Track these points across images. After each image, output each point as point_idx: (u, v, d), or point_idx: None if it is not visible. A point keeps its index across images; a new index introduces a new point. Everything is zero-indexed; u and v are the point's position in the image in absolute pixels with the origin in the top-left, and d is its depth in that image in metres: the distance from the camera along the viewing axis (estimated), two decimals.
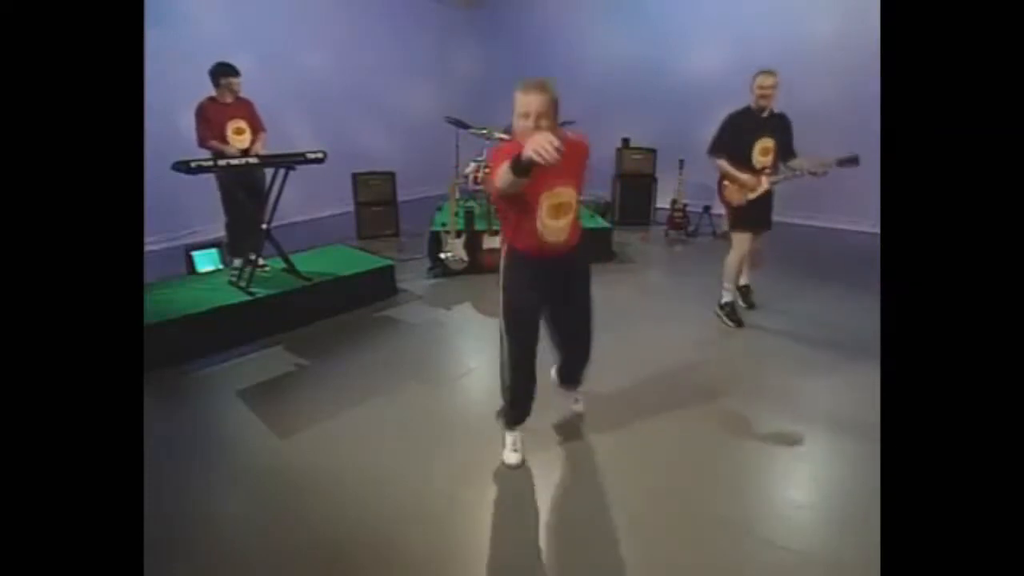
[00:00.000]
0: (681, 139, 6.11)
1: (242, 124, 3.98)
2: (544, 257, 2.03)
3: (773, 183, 3.44)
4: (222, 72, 3.88)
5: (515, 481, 2.22)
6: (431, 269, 4.79)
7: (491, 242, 4.65)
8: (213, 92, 3.92)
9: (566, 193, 1.93)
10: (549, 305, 2.16)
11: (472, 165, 5.01)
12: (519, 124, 1.82)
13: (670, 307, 4.10)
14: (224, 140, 3.90)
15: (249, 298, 3.52)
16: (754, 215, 3.52)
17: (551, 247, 2.00)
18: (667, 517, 2.02)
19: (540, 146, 1.53)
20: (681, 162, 5.75)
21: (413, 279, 4.60)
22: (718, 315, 3.75)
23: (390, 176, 5.98)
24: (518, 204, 1.93)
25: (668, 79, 7.04)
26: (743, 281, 3.92)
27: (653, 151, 6.46)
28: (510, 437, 2.32)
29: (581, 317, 2.25)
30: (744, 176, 3.40)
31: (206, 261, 4.20)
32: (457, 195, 4.64)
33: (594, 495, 2.15)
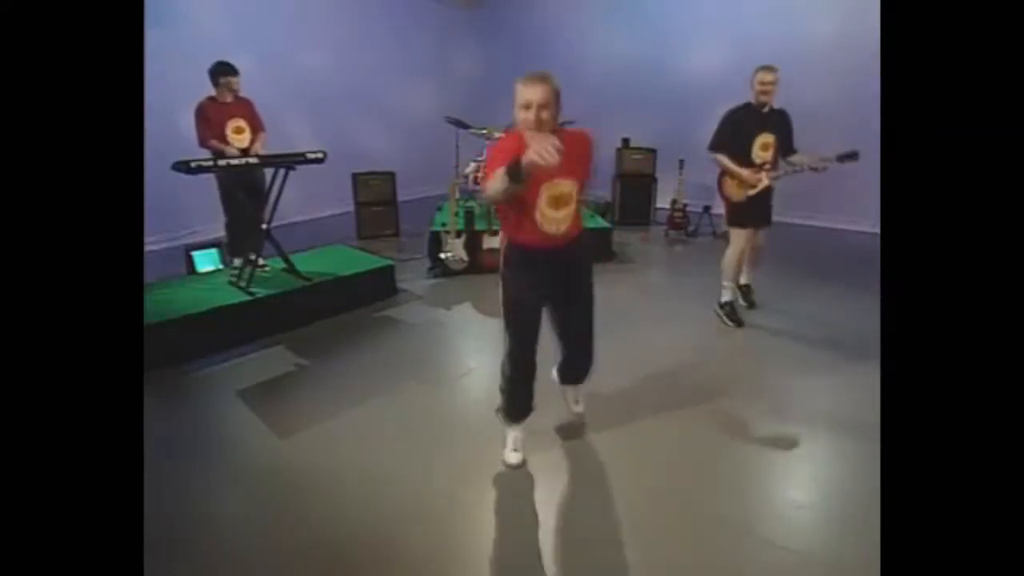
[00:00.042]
0: (681, 139, 6.11)
1: (242, 123, 3.98)
2: (544, 249, 2.02)
3: (773, 179, 3.44)
4: (221, 71, 3.88)
5: (515, 481, 2.22)
6: (431, 269, 4.79)
7: (491, 242, 4.65)
8: (213, 92, 3.92)
9: (566, 184, 1.93)
10: (550, 298, 2.15)
11: (472, 165, 5.02)
12: (520, 116, 1.82)
13: (670, 307, 4.10)
14: (224, 139, 3.90)
15: (249, 298, 3.52)
16: (754, 211, 3.52)
17: (551, 238, 1.99)
18: (667, 517, 2.02)
19: (542, 148, 1.53)
20: (681, 162, 5.75)
21: (413, 279, 4.60)
22: (717, 314, 3.75)
23: (390, 176, 5.98)
24: (517, 195, 1.93)
25: (668, 79, 7.03)
26: (744, 280, 3.92)
27: (653, 151, 6.46)
28: (511, 437, 2.32)
29: (582, 311, 2.23)
30: (744, 172, 3.40)
31: (206, 261, 4.20)
32: (457, 195, 4.64)
33: (594, 495, 2.15)
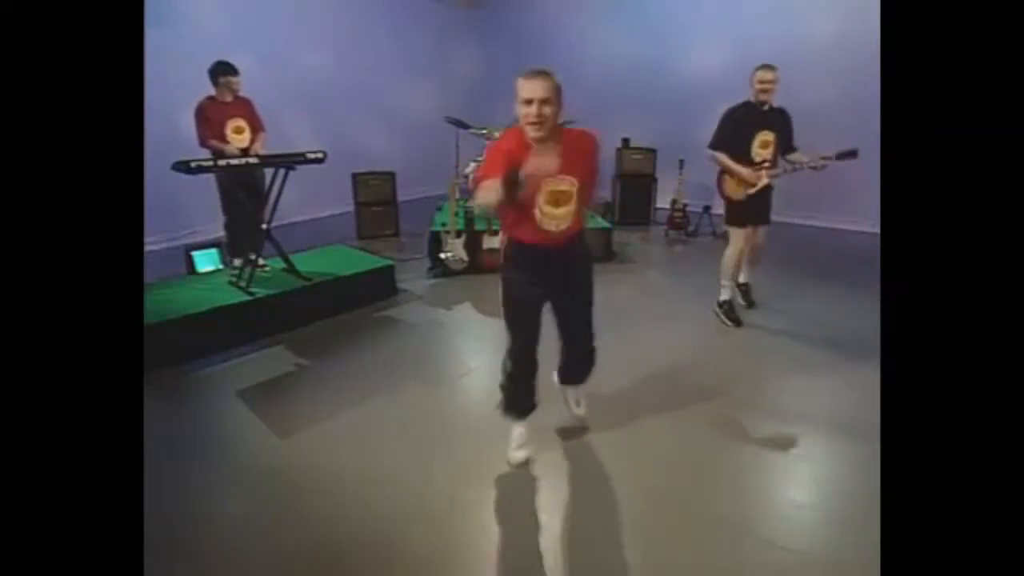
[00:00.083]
0: (681, 139, 6.11)
1: (242, 123, 3.98)
2: (543, 247, 2.02)
3: (773, 177, 3.44)
4: (221, 71, 3.88)
5: (515, 481, 2.22)
6: (431, 269, 4.79)
7: (491, 242, 4.65)
8: (213, 92, 3.92)
9: (565, 182, 1.92)
10: (550, 296, 2.15)
11: (472, 165, 5.01)
12: (522, 111, 1.82)
13: (670, 307, 4.09)
14: (224, 139, 3.90)
15: (249, 298, 3.52)
16: (753, 210, 3.52)
17: (550, 236, 1.99)
18: (667, 517, 2.02)
19: (540, 163, 1.62)
20: (681, 162, 5.75)
21: (413, 279, 4.60)
22: (716, 314, 3.75)
23: (390, 176, 5.98)
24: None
25: (668, 79, 7.03)
26: (743, 279, 3.92)
27: (653, 151, 6.45)
28: (515, 433, 2.31)
29: (581, 309, 2.23)
30: (744, 171, 3.40)
31: (206, 261, 4.20)
32: (457, 195, 4.63)
33: (594, 495, 2.15)
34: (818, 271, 4.81)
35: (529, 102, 1.79)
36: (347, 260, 4.29)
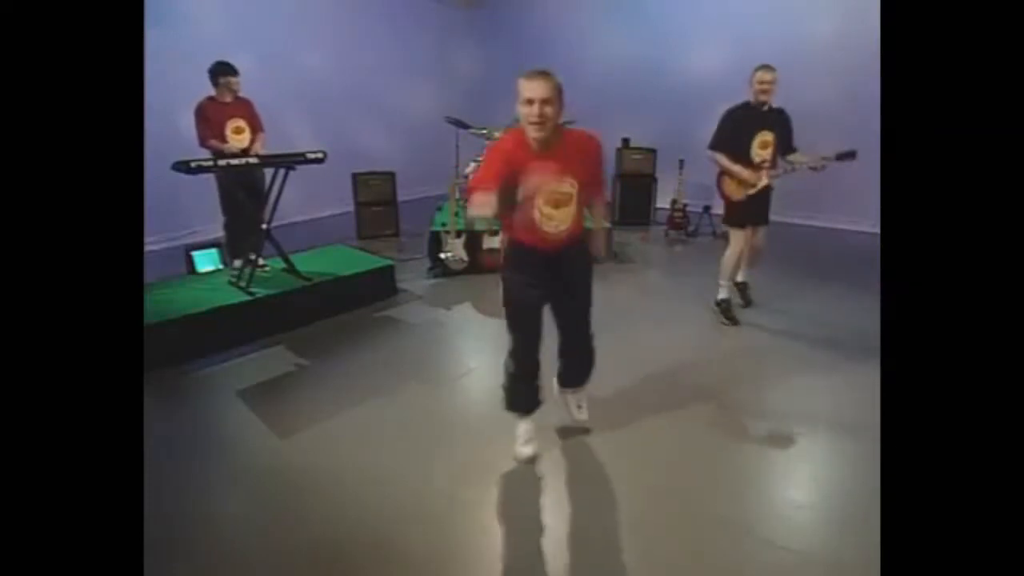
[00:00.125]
0: (681, 139, 6.11)
1: (241, 123, 3.98)
2: (543, 248, 2.02)
3: (773, 178, 3.44)
4: (221, 71, 3.88)
5: (515, 481, 2.22)
6: (431, 269, 4.79)
7: (491, 242, 4.64)
8: (212, 92, 3.92)
9: (565, 184, 1.92)
10: (549, 298, 2.15)
11: (472, 165, 5.00)
12: (523, 111, 1.82)
13: (670, 307, 4.09)
14: (223, 139, 3.90)
15: (249, 298, 3.51)
16: (752, 211, 3.52)
17: (550, 238, 1.99)
18: (667, 517, 2.02)
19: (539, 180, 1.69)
20: (681, 162, 5.75)
21: (413, 279, 4.60)
22: (714, 312, 3.75)
23: (390, 176, 5.98)
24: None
25: (668, 79, 7.03)
26: (740, 278, 3.93)
27: (653, 151, 6.45)
28: (521, 429, 2.31)
29: (580, 312, 2.24)
30: (744, 172, 3.40)
31: (206, 261, 4.19)
32: (457, 195, 4.63)
33: (594, 495, 2.15)
34: (818, 271, 4.81)
35: (531, 102, 1.79)
36: (347, 260, 4.29)
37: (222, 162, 3.47)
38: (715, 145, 3.46)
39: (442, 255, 4.65)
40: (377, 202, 5.92)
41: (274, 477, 2.25)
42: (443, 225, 4.77)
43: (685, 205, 5.88)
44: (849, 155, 3.19)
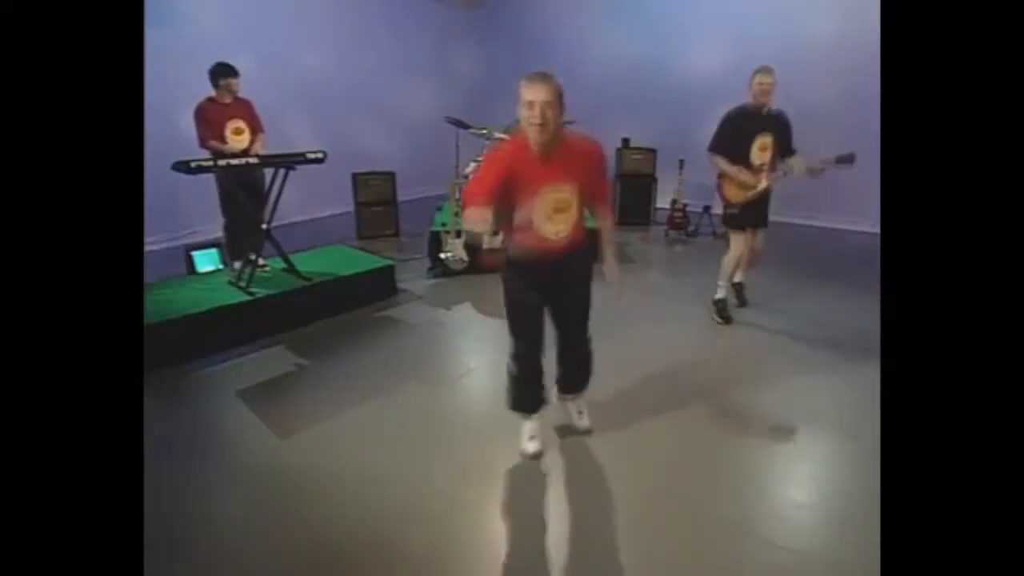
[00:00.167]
0: (681, 139, 6.11)
1: (241, 124, 3.98)
2: (542, 253, 2.02)
3: (772, 180, 3.44)
4: (221, 73, 3.88)
5: (515, 481, 2.22)
6: (431, 269, 4.78)
7: (491, 242, 4.64)
8: (212, 92, 3.92)
9: (565, 190, 1.93)
10: (549, 301, 2.16)
11: (472, 165, 4.99)
12: (524, 114, 1.82)
13: (670, 307, 4.09)
14: (223, 140, 3.90)
15: (249, 298, 3.51)
16: (752, 214, 3.53)
17: (550, 243, 1.99)
18: (667, 517, 2.02)
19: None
20: (681, 162, 5.75)
21: (413, 279, 4.60)
22: (710, 311, 3.76)
23: (390, 176, 5.98)
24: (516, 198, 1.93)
25: (668, 79, 7.03)
26: (737, 278, 3.94)
27: (653, 151, 6.45)
28: (526, 426, 2.32)
29: (579, 316, 2.24)
30: (744, 175, 3.40)
31: (206, 261, 4.19)
32: (457, 195, 4.62)
33: (594, 495, 2.15)
34: (818, 271, 4.81)
35: (532, 105, 1.80)
36: (347, 260, 4.29)
37: (222, 162, 3.47)
38: (714, 147, 3.46)
39: (442, 255, 4.65)
40: (377, 202, 5.92)
41: (274, 477, 2.25)
42: (443, 225, 4.77)
43: (685, 205, 5.88)
44: (848, 159, 3.19)
